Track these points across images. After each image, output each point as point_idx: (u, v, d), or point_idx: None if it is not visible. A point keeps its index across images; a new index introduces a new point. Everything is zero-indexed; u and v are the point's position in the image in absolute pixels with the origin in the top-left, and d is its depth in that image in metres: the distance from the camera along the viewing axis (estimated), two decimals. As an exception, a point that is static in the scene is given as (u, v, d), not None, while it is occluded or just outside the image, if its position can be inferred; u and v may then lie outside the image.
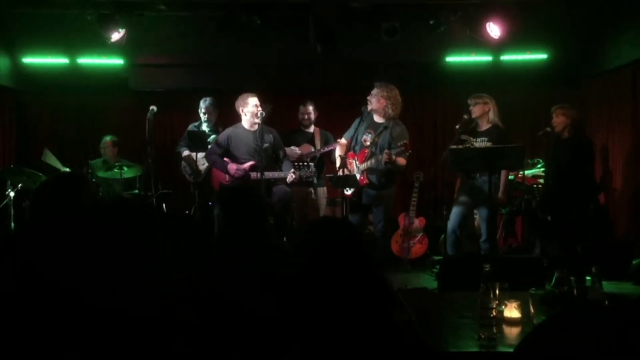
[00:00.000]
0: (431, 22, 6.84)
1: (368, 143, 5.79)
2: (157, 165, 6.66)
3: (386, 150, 5.47)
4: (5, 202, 6.44)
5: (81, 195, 2.43)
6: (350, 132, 5.96)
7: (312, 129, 6.85)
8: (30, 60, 7.53)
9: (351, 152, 5.88)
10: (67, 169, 7.10)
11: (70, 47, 7.36)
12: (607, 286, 4.23)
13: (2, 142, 7.71)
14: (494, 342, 2.36)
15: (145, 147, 6.39)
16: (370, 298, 1.49)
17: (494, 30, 6.74)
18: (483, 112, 5.80)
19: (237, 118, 6.16)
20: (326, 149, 6.55)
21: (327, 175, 6.46)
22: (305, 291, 1.42)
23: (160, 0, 6.60)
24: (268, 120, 6.06)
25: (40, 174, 6.35)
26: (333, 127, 6.98)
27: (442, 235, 6.81)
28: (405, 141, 5.48)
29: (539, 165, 6.99)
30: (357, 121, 5.90)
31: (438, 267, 5.79)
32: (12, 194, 6.38)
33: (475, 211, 6.19)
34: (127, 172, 6.85)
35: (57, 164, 7.05)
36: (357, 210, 5.92)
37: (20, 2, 6.80)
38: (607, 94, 7.27)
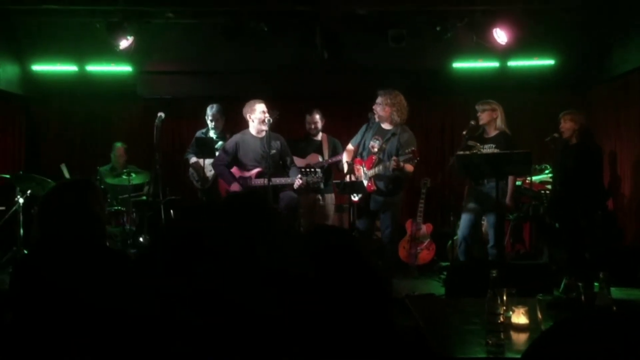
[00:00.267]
0: (438, 29, 6.86)
1: (376, 150, 5.79)
2: (165, 171, 6.69)
3: (394, 157, 5.47)
4: (14, 208, 6.48)
5: (89, 202, 2.45)
6: (357, 138, 5.97)
7: (319, 136, 6.85)
8: (40, 67, 7.60)
9: (358, 159, 5.88)
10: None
11: (79, 54, 7.42)
12: (615, 292, 4.22)
13: (12, 149, 7.77)
14: (502, 348, 2.35)
15: (153, 154, 6.43)
16: (368, 302, 1.49)
17: (500, 36, 6.74)
18: (491, 118, 5.79)
19: (244, 125, 6.18)
20: (334, 160, 6.57)
21: (334, 181, 6.46)
22: (305, 292, 1.42)
23: (169, 8, 6.65)
24: (275, 128, 6.08)
25: (49, 180, 6.39)
26: (340, 133, 7.00)
27: (450, 241, 6.80)
28: (413, 148, 5.49)
29: (546, 171, 6.96)
30: (364, 127, 5.91)
31: (445, 273, 5.77)
32: (21, 200, 6.42)
33: (483, 217, 6.18)
34: (136, 179, 6.88)
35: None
36: (365, 217, 5.92)
37: (30, 11, 6.86)
38: (615, 100, 7.25)
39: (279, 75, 7.62)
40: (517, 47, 6.98)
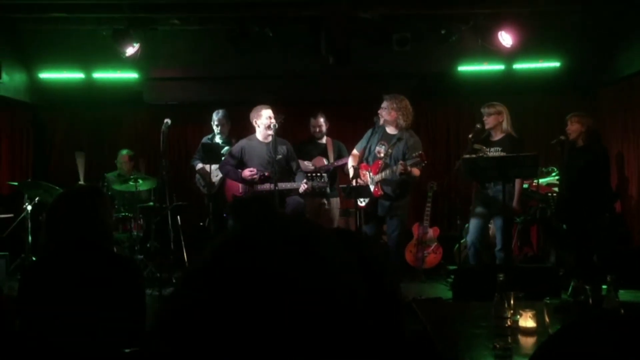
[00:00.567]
0: (442, 32, 6.85)
1: (382, 154, 5.79)
2: (171, 177, 6.70)
3: (401, 162, 5.47)
4: (22, 215, 6.51)
5: (96, 209, 2.46)
6: (362, 143, 5.97)
7: (324, 140, 6.85)
8: (47, 75, 7.64)
9: (364, 164, 5.89)
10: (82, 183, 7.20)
11: (85, 62, 7.46)
12: (624, 295, 4.18)
13: (19, 156, 7.82)
14: (510, 352, 2.34)
15: (160, 160, 6.44)
16: (377, 305, 1.49)
17: (505, 39, 6.74)
18: (497, 122, 5.76)
19: (250, 130, 6.20)
20: (339, 163, 6.57)
21: (340, 185, 6.47)
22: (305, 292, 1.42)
23: (174, 15, 6.69)
24: (280, 131, 6.09)
25: (57, 187, 6.42)
26: (345, 137, 7.00)
27: (457, 245, 6.79)
28: (420, 152, 5.49)
29: (553, 174, 6.94)
30: (369, 132, 5.90)
31: (453, 276, 5.76)
32: (29, 207, 6.45)
33: (490, 220, 6.16)
34: (142, 185, 6.90)
35: (81, 170, 7.18)
36: (372, 221, 5.92)
37: (37, 19, 6.92)
38: (621, 102, 7.22)
39: (284, 81, 7.64)
40: (522, 50, 6.97)
